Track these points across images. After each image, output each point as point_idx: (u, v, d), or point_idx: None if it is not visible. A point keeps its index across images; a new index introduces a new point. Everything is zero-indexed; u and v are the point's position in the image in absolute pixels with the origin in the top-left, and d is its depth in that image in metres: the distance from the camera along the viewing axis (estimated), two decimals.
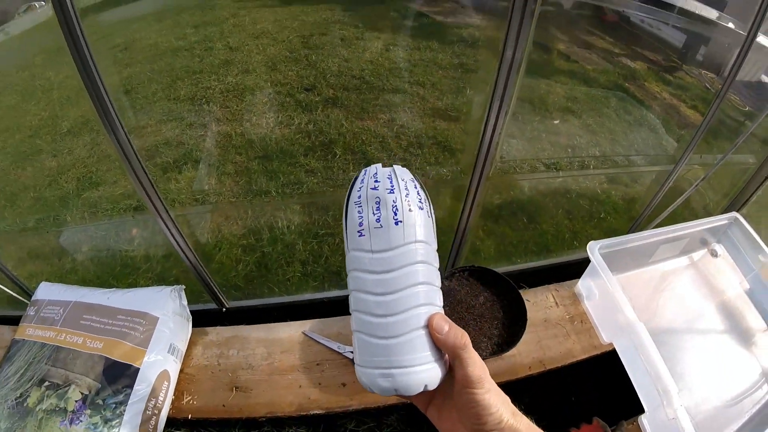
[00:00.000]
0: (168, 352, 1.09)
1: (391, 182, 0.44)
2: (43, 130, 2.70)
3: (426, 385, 0.42)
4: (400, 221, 0.42)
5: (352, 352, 0.62)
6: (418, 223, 0.43)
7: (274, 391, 1.12)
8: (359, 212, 0.44)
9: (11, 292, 1.43)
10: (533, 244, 1.76)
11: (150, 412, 1.01)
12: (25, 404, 0.99)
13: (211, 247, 1.85)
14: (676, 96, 2.59)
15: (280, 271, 1.76)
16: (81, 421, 0.95)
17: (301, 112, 2.60)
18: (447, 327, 0.43)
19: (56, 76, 3.00)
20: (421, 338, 0.42)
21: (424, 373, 0.42)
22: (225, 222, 1.97)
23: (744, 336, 1.30)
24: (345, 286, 0.47)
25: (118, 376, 1.00)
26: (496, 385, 0.44)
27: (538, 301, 1.30)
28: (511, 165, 2.07)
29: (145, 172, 0.99)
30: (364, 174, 0.46)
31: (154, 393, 1.02)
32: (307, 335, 1.21)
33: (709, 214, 1.37)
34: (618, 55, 3.09)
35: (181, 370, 1.16)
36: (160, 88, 2.93)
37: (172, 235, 1.15)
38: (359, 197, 0.44)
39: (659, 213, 1.50)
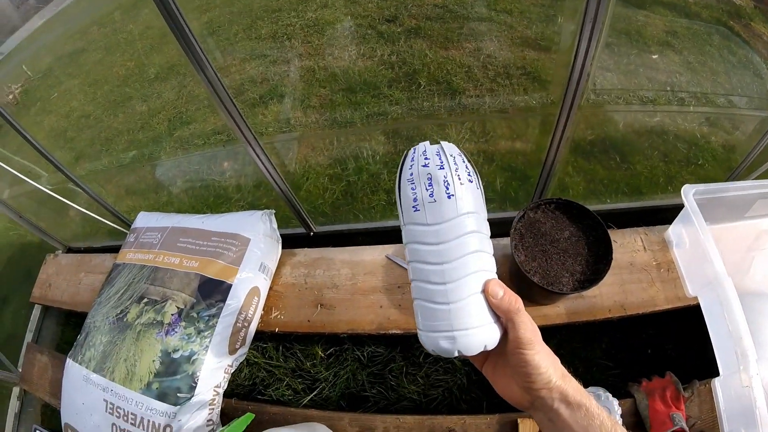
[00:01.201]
0: (259, 270, 1.17)
1: (440, 158, 0.45)
2: (131, 79, 2.85)
3: (486, 345, 0.45)
4: (452, 195, 0.44)
5: None
6: (468, 195, 0.45)
7: (356, 310, 1.18)
8: (413, 189, 0.45)
9: (112, 224, 1.59)
10: (625, 185, 1.64)
11: (240, 325, 1.11)
12: (124, 319, 1.13)
13: (299, 176, 1.92)
14: None
15: (365, 199, 1.80)
16: (176, 332, 1.06)
17: (383, 43, 2.52)
18: (502, 292, 0.45)
19: (137, 28, 3.13)
20: (478, 302, 0.45)
21: (483, 334, 0.45)
22: (311, 153, 2.02)
23: None
24: None
25: (212, 291, 1.10)
26: (546, 347, 0.46)
27: (626, 243, 1.23)
28: (606, 99, 1.89)
29: (235, 106, 1.02)
30: (414, 152, 0.47)
31: (244, 307, 1.11)
32: (390, 259, 1.25)
33: None
34: None
35: (270, 288, 1.25)
36: (240, 28, 2.96)
37: (263, 163, 1.20)
38: (411, 174, 0.46)
39: (760, 164, 1.35)
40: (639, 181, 1.63)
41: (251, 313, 1.14)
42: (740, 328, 0.94)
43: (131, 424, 1.03)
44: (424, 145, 0.47)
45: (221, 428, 0.98)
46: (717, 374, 1.04)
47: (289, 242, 1.40)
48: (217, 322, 1.07)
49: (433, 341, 0.46)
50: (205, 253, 1.16)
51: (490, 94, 2.09)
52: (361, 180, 1.85)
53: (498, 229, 1.57)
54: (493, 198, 1.69)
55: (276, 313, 1.22)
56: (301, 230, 1.51)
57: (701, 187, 1.09)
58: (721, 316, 1.01)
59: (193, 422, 1.01)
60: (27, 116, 2.81)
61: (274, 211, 1.27)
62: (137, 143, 2.42)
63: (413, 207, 0.45)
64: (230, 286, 1.11)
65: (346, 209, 1.77)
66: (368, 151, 1.92)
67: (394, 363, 1.43)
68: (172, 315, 1.09)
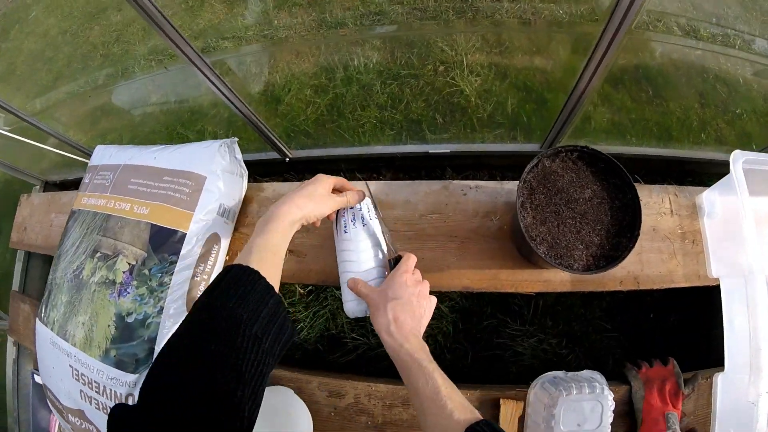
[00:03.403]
0: (218, 213, 0.93)
1: (360, 207, 0.81)
2: None
3: (356, 313, 0.78)
4: (365, 224, 0.80)
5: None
6: (371, 226, 0.80)
7: (329, 259, 0.97)
8: (345, 219, 0.80)
9: (82, 159, 1.38)
10: (654, 124, 1.35)
11: (198, 278, 0.90)
12: (81, 277, 0.92)
13: (279, 88, 1.59)
14: None
15: (353, 115, 1.50)
16: (128, 293, 0.86)
17: None
18: (359, 287, 0.74)
19: None
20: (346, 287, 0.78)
21: (348, 305, 0.77)
22: (295, 59, 1.67)
23: None
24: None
25: (164, 243, 0.87)
26: (390, 311, 0.66)
27: (652, 203, 1.00)
28: (644, 20, 1.52)
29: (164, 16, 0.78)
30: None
31: (202, 258, 0.90)
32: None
33: None
34: None
35: (236, 230, 1.02)
36: None
37: (215, 85, 0.96)
38: (345, 212, 0.81)
39: None
40: (670, 122, 1.35)
41: (210, 263, 0.93)
42: (760, 337, 0.78)
43: (96, 392, 0.88)
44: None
45: None
46: (717, 360, 0.90)
47: (264, 168, 1.16)
48: (171, 280, 0.86)
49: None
50: (156, 196, 0.92)
51: None
52: (350, 92, 1.54)
53: (501, 161, 1.31)
54: (502, 123, 1.41)
55: None
56: (275, 156, 1.25)
57: (753, 156, 0.86)
58: (743, 313, 0.84)
59: None
60: (6, 41, 2.53)
61: (236, 139, 0.99)
62: (112, 57, 2.14)
63: (344, 230, 0.79)
64: (184, 235, 0.88)
65: (331, 127, 1.48)
66: (360, 57, 1.58)
67: None
68: (124, 273, 0.88)
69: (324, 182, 0.74)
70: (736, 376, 0.87)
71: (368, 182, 1.05)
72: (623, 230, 0.84)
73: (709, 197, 0.98)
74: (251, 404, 0.46)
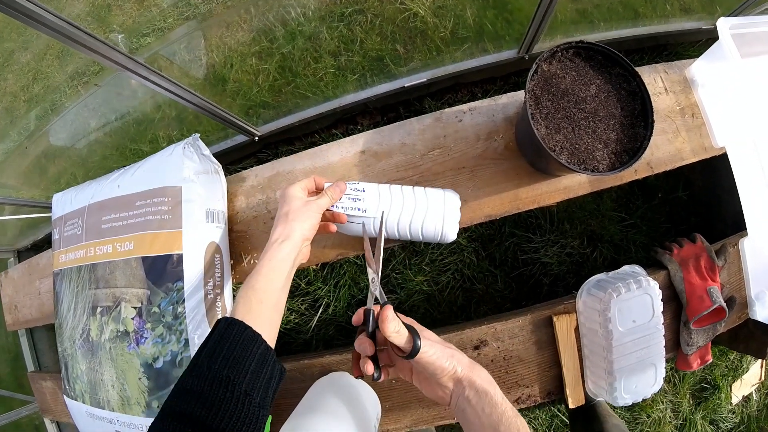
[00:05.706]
0: (207, 220, 0.82)
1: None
2: (5, 31, 2.20)
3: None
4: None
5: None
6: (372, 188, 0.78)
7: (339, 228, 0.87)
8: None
9: (42, 214, 1.25)
10: (618, 4, 1.27)
11: (212, 295, 0.80)
12: (90, 339, 0.82)
13: (221, 66, 1.39)
14: None
15: (308, 71, 1.34)
16: (146, 338, 0.76)
17: None
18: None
19: None
20: None
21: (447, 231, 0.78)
22: (227, 32, 1.46)
23: None
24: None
25: (162, 272, 0.76)
26: (439, 345, 0.51)
27: (646, 85, 0.95)
28: None
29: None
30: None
31: (208, 273, 0.80)
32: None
33: None
34: None
35: (231, 230, 0.91)
36: None
37: (158, 85, 0.82)
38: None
39: None
40: None
41: (218, 274, 0.82)
42: None
43: None
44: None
45: None
46: (735, 225, 0.90)
47: (235, 154, 1.02)
48: (184, 308, 0.76)
49: None
50: (136, 226, 0.79)
51: None
52: (296, 48, 1.37)
53: (478, 76, 1.22)
54: (467, 37, 1.30)
55: (248, 258, 0.91)
56: (244, 138, 1.11)
57: (736, 20, 0.86)
58: (756, 174, 0.86)
59: None
60: None
61: (197, 135, 0.85)
62: (36, 98, 1.90)
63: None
64: (181, 256, 0.76)
65: (289, 90, 1.32)
66: (296, 8, 1.39)
67: (394, 258, 1.22)
68: (133, 319, 0.77)
69: (292, 194, 0.68)
70: (760, 238, 0.88)
71: (354, 136, 0.95)
72: (636, 119, 0.80)
73: (700, 68, 0.96)
74: None
